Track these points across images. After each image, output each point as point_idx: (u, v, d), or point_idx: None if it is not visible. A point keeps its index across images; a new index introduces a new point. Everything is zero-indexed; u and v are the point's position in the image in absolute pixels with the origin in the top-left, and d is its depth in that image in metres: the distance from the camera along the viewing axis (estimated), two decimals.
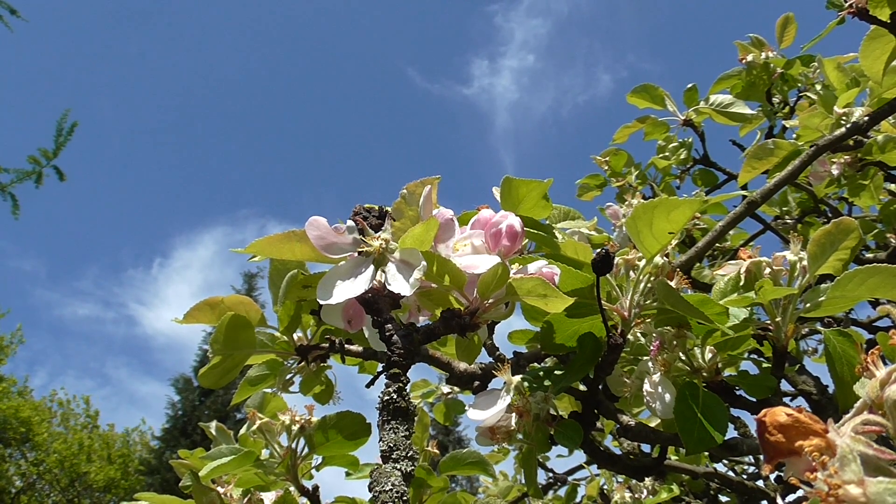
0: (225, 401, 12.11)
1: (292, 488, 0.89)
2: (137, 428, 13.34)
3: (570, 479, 1.82)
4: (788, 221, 1.73)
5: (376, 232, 0.51)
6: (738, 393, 0.71)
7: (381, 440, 0.43)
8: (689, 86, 1.65)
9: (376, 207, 0.52)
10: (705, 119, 1.65)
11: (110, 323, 25.19)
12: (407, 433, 0.43)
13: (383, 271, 0.50)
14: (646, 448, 1.44)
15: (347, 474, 1.01)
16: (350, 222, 0.52)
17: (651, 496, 1.31)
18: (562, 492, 1.84)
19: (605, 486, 1.41)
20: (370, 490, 0.40)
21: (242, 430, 0.99)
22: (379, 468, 0.41)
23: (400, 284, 0.48)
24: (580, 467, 1.84)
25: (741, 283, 0.70)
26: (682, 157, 1.67)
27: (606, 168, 1.72)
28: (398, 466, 0.41)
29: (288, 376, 0.81)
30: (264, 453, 0.89)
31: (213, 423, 1.02)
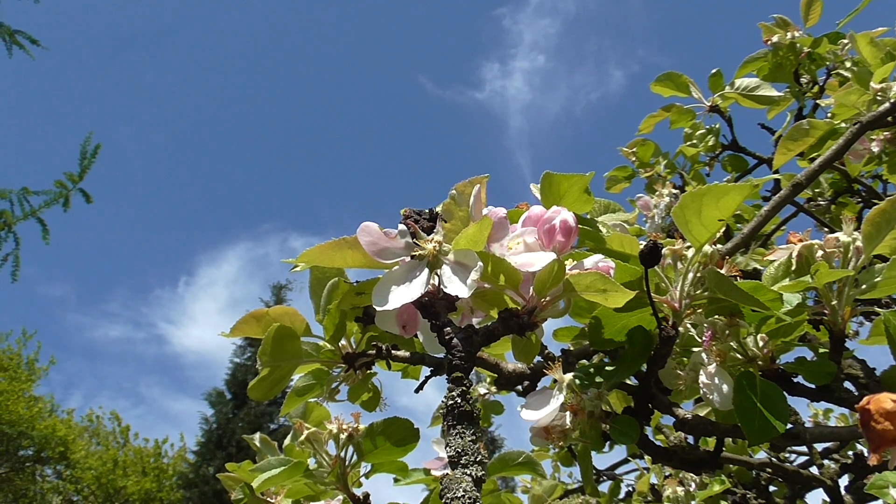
0: (258, 412, 12.18)
1: (340, 497, 0.89)
2: (167, 439, 13.49)
3: (611, 473, 1.80)
4: (821, 203, 1.70)
5: (428, 234, 0.51)
6: (795, 381, 0.69)
7: (447, 445, 0.42)
8: (714, 71, 1.63)
9: (426, 210, 0.52)
10: (732, 104, 1.63)
11: (141, 343, 25.53)
12: (474, 437, 0.42)
13: (437, 274, 0.49)
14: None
15: (396, 480, 1.00)
16: (401, 226, 0.51)
17: (698, 490, 1.29)
18: (604, 487, 1.82)
19: (655, 482, 1.39)
20: (441, 497, 0.39)
21: (287, 441, 0.99)
22: (449, 475, 0.41)
23: (457, 286, 0.47)
24: (622, 462, 1.82)
25: (793, 268, 0.68)
26: (711, 143, 1.65)
27: (634, 159, 1.70)
28: (468, 472, 0.40)
29: (334, 385, 0.81)
30: (310, 463, 0.88)
31: (257, 435, 1.02)
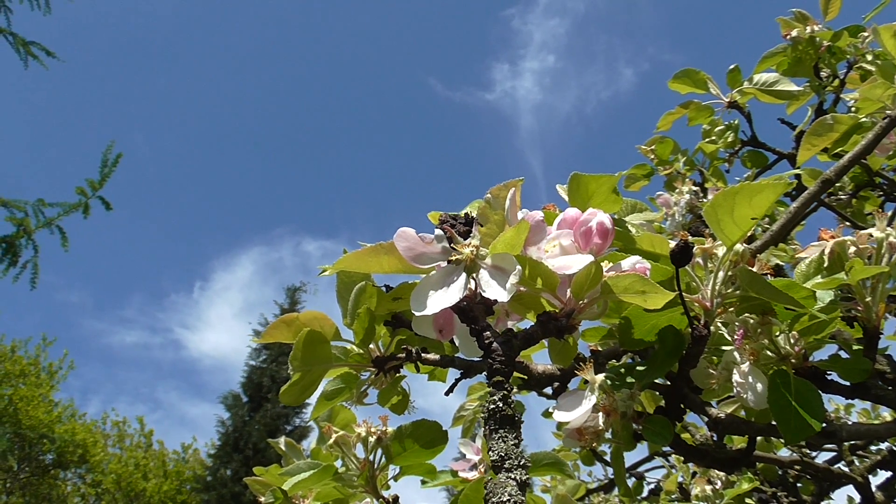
0: (273, 414, 12.21)
1: (368, 500, 0.89)
2: (190, 445, 13.62)
3: (635, 472, 1.79)
4: (842, 197, 1.68)
5: (464, 239, 0.51)
6: (829, 378, 0.68)
7: (490, 450, 0.42)
8: (732, 67, 1.62)
9: (462, 214, 0.52)
10: (750, 99, 1.62)
11: (157, 348, 25.72)
12: (516, 441, 0.42)
13: (474, 278, 0.49)
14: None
15: (423, 482, 1.00)
16: (438, 231, 0.51)
17: (725, 488, 1.28)
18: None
19: (683, 480, 1.39)
20: (486, 501, 0.39)
21: (313, 444, 0.99)
22: (493, 479, 0.41)
23: (495, 290, 0.47)
24: (644, 460, 1.82)
25: (825, 265, 0.68)
26: (730, 139, 1.64)
27: (652, 157, 1.69)
28: (512, 476, 0.40)
29: (363, 388, 0.81)
30: (337, 465, 0.89)
31: (283, 440, 1.03)
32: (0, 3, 4.45)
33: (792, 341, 0.70)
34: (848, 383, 0.68)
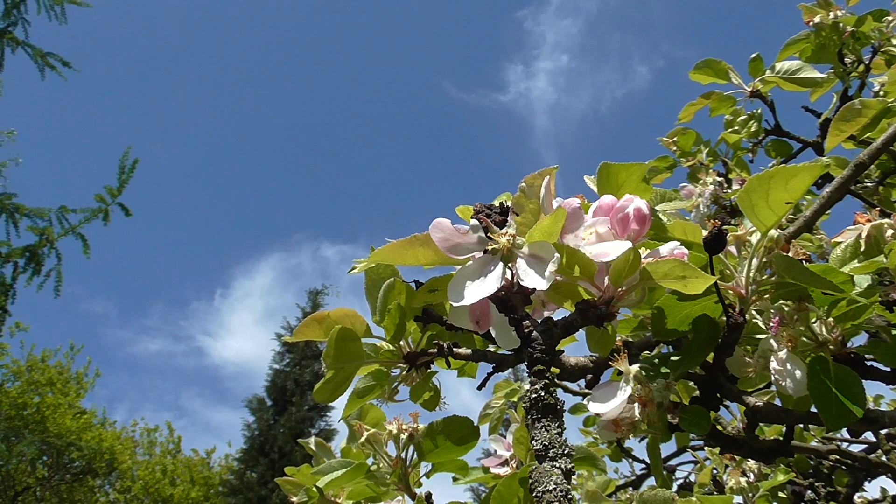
0: (298, 417, 12.27)
1: (400, 498, 0.89)
2: (214, 449, 13.76)
3: (665, 465, 1.78)
4: (869, 185, 1.66)
5: (500, 228, 0.50)
6: (869, 364, 0.67)
7: (533, 439, 0.42)
8: (753, 56, 1.60)
9: (497, 204, 0.52)
10: (773, 88, 1.60)
11: (180, 356, 25.97)
12: (559, 430, 0.42)
13: (510, 268, 0.49)
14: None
15: (455, 479, 1.00)
16: (473, 221, 0.51)
17: (757, 480, 1.27)
18: (652, 480, 1.80)
19: (716, 472, 1.37)
20: (531, 491, 0.39)
21: (343, 443, 0.99)
22: (537, 468, 0.40)
23: (533, 279, 0.46)
24: (674, 454, 1.80)
25: (861, 249, 0.67)
26: (753, 129, 1.62)
27: (675, 149, 1.68)
28: (557, 465, 0.40)
29: (394, 385, 0.81)
30: (368, 463, 0.89)
31: (313, 439, 1.03)
32: (18, 15, 4.52)
33: (829, 327, 0.69)
34: (889, 369, 0.67)
